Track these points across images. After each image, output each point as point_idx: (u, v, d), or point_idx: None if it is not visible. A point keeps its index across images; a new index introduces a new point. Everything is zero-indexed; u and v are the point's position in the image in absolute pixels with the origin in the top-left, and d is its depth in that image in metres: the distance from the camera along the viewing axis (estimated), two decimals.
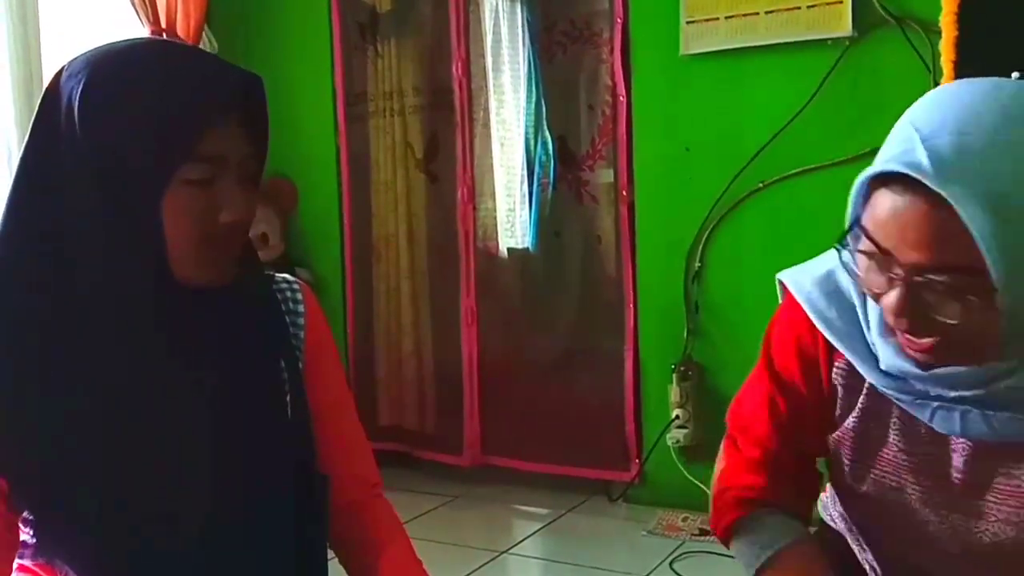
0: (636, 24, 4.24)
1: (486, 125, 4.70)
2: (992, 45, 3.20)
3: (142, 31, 4.56)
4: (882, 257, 1.32)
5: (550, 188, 4.58)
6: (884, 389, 1.48)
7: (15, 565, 1.50)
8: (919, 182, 1.23)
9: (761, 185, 3.95)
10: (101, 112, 1.41)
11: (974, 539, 1.47)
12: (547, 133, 4.58)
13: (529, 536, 4.21)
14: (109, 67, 1.45)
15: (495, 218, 4.74)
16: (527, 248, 4.68)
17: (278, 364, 1.60)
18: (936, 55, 3.42)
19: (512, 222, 4.74)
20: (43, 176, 1.45)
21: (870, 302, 1.46)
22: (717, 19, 4.00)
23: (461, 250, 4.75)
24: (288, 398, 1.60)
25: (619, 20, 4.26)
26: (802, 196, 3.86)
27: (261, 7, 5.20)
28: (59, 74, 1.47)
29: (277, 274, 1.71)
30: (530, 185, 4.63)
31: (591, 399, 4.49)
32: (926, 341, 1.33)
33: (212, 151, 1.44)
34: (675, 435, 4.20)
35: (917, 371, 1.40)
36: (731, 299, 4.10)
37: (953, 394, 1.39)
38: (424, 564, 1.71)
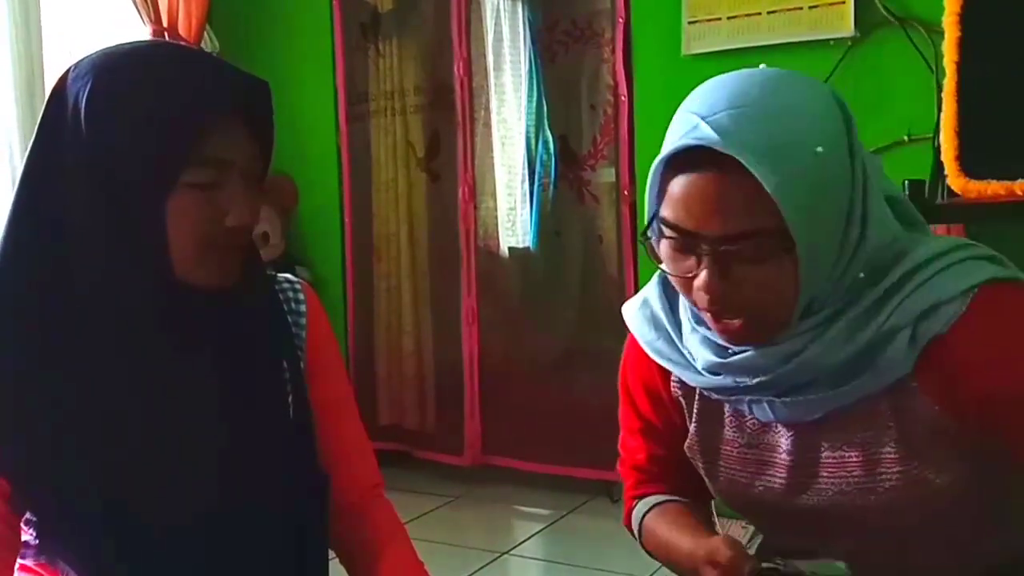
0: (638, 24, 4.23)
1: (487, 124, 4.70)
2: (995, 46, 3.20)
3: (143, 30, 4.56)
4: (686, 240, 1.40)
5: (551, 187, 4.58)
6: (705, 386, 1.57)
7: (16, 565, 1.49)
8: (708, 158, 1.34)
9: None
10: (106, 115, 1.41)
11: (824, 514, 1.53)
12: (548, 132, 4.58)
13: (530, 537, 4.21)
14: (115, 70, 1.45)
15: (496, 217, 4.73)
16: (528, 247, 4.68)
17: (280, 364, 1.60)
18: (939, 56, 3.41)
19: (513, 221, 4.73)
20: (48, 177, 1.45)
21: (681, 306, 1.58)
22: (719, 19, 4.00)
23: (462, 249, 4.75)
24: (290, 398, 1.60)
25: (621, 20, 4.26)
26: None
27: (262, 6, 5.20)
28: (65, 75, 1.47)
29: (279, 274, 1.71)
30: (531, 184, 4.63)
31: (592, 399, 4.48)
32: (735, 322, 1.42)
33: (217, 155, 1.44)
34: None
35: (718, 359, 1.49)
36: None
37: (754, 381, 1.47)
38: (425, 565, 1.71)
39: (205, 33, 4.86)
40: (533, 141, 4.63)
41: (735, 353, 1.49)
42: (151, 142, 1.40)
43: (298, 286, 1.70)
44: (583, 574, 3.70)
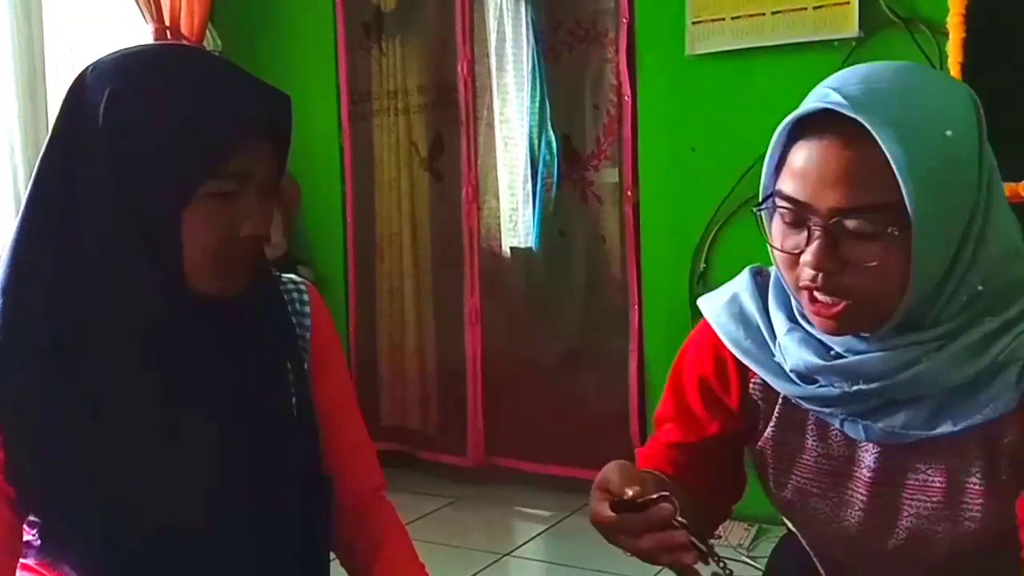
0: (642, 24, 4.23)
1: (490, 124, 4.70)
2: (999, 46, 3.20)
3: (145, 28, 4.55)
4: (799, 212, 1.37)
5: (554, 187, 4.58)
6: (795, 394, 1.52)
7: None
8: (834, 127, 1.32)
9: None
10: (129, 123, 1.40)
11: (892, 536, 1.50)
12: (551, 132, 4.58)
13: (532, 539, 4.20)
14: (136, 74, 1.44)
15: (498, 217, 4.73)
16: (531, 247, 4.68)
17: (283, 365, 1.60)
18: (943, 56, 3.41)
19: (515, 221, 4.73)
20: (62, 181, 1.44)
21: (772, 307, 1.54)
22: (723, 19, 4.00)
23: (465, 249, 4.75)
24: (293, 400, 1.59)
25: (624, 20, 4.25)
26: None
27: (265, 4, 5.20)
28: (82, 77, 1.46)
29: (283, 275, 1.70)
30: (534, 184, 4.63)
31: (595, 400, 4.49)
32: (837, 305, 1.37)
33: (238, 168, 1.44)
34: None
35: (819, 361, 1.44)
36: None
37: (853, 388, 1.42)
38: (425, 566, 1.70)
39: (207, 31, 4.85)
40: (536, 141, 4.63)
41: (838, 357, 1.44)
42: (176, 154, 1.40)
43: (303, 287, 1.70)
44: None
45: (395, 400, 5.00)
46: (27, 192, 1.46)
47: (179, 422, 1.47)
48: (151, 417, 1.46)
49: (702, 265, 4.15)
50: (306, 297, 1.68)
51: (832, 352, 1.45)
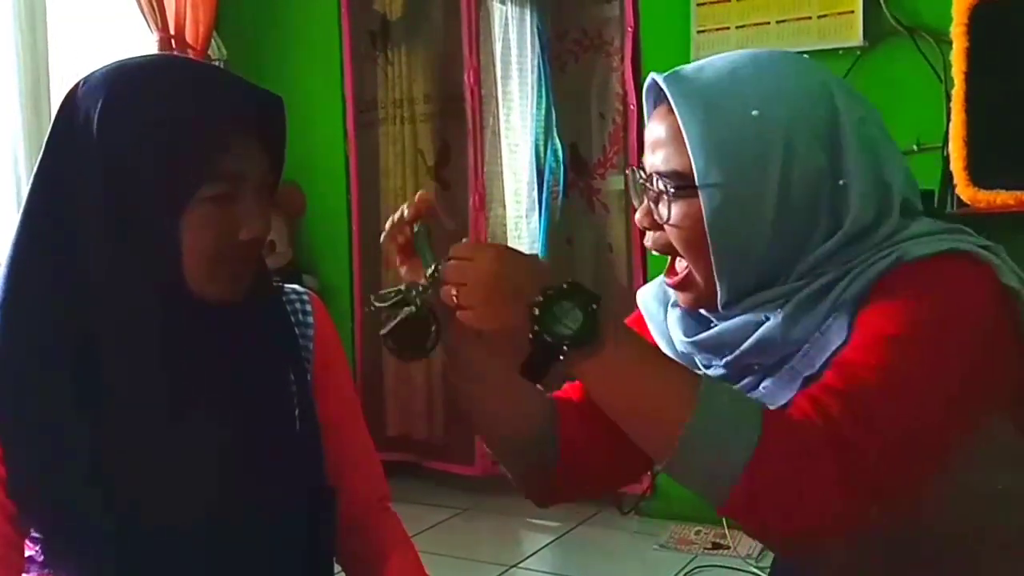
0: (647, 33, 4.24)
1: (496, 133, 4.70)
2: (1003, 56, 3.20)
3: (150, 38, 4.56)
4: (643, 178, 1.51)
5: (560, 196, 4.58)
6: None
7: None
8: (667, 103, 1.44)
9: None
10: (122, 129, 1.41)
11: None
12: (557, 141, 4.58)
13: (539, 550, 4.19)
14: (129, 84, 1.44)
15: (505, 225, 4.73)
16: (537, 256, 4.67)
17: (287, 377, 1.59)
18: (947, 65, 3.41)
19: (522, 230, 4.73)
20: (58, 191, 1.44)
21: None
22: (728, 28, 4.00)
23: None
24: (296, 410, 1.59)
25: (630, 28, 4.26)
26: None
27: (270, 13, 5.20)
28: (75, 89, 1.47)
29: (286, 284, 1.70)
30: (540, 193, 4.63)
31: None
32: (681, 271, 1.50)
33: (233, 169, 1.44)
34: None
35: (686, 338, 1.53)
36: None
37: (722, 361, 1.48)
38: None
39: (212, 41, 4.86)
40: (542, 149, 4.64)
41: (703, 331, 1.52)
42: (172, 159, 1.40)
43: (305, 297, 1.70)
44: None
45: (401, 410, 4.99)
46: (23, 206, 1.46)
47: (182, 431, 1.46)
48: (154, 426, 1.45)
49: None
50: (309, 307, 1.68)
51: (700, 329, 1.54)
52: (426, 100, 4.87)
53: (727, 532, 3.96)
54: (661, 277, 1.67)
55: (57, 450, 1.42)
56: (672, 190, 1.44)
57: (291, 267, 4.94)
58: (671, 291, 1.60)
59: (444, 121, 4.82)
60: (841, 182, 1.42)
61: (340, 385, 1.72)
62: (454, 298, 1.37)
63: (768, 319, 1.42)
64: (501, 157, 4.73)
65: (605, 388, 1.38)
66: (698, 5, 4.04)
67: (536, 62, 4.66)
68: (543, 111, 4.65)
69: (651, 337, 1.66)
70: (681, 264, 1.51)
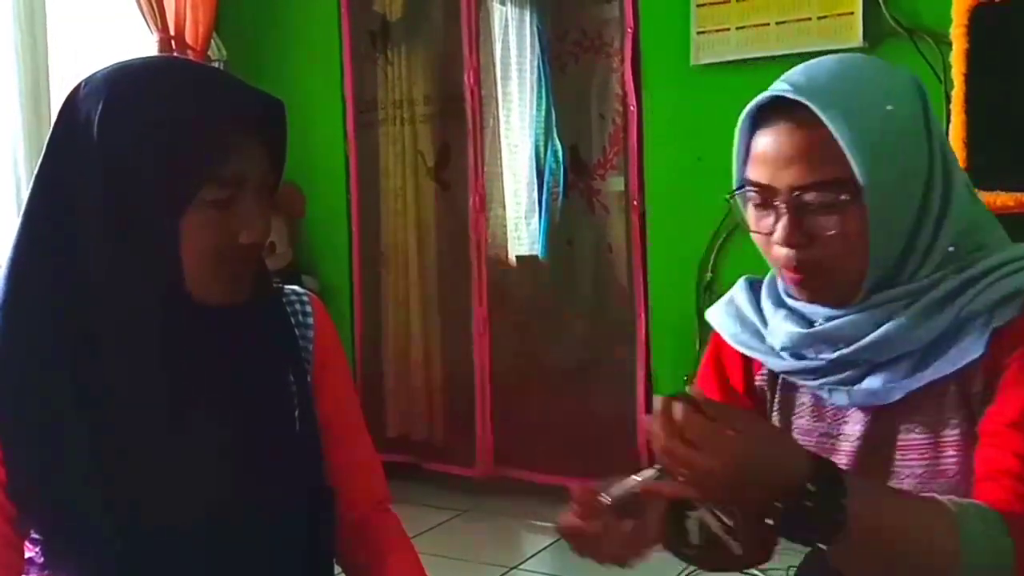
0: (647, 34, 4.23)
1: (496, 133, 4.70)
2: (1002, 57, 3.20)
3: (150, 38, 4.56)
4: (765, 195, 1.50)
5: (560, 197, 4.58)
6: (788, 374, 1.64)
7: None
8: (786, 114, 1.46)
9: None
10: (123, 132, 1.41)
11: None
12: (557, 141, 4.58)
13: (539, 551, 4.19)
14: (130, 87, 1.44)
15: (505, 226, 4.73)
16: (538, 257, 4.68)
17: (286, 378, 1.59)
18: (947, 66, 3.41)
19: (522, 230, 4.74)
20: (59, 192, 1.44)
21: (763, 296, 1.67)
22: (728, 29, 4.00)
23: (473, 259, 4.74)
24: (296, 411, 1.59)
25: (630, 30, 4.26)
26: None
27: (270, 14, 5.20)
28: (76, 90, 1.46)
29: (286, 286, 1.70)
30: (540, 193, 4.63)
31: (603, 410, 4.48)
32: (815, 280, 1.50)
33: (234, 172, 1.43)
34: None
35: (802, 330, 1.55)
36: None
37: (836, 354, 1.52)
38: None
39: (212, 41, 4.86)
40: (542, 150, 4.64)
41: (812, 327, 1.55)
42: (173, 161, 1.40)
43: (305, 298, 1.69)
44: None
45: (401, 411, 4.99)
46: (24, 207, 1.46)
47: (182, 432, 1.46)
48: (154, 427, 1.45)
49: (708, 274, 4.15)
50: (309, 308, 1.68)
51: (816, 323, 1.56)
52: (426, 101, 4.87)
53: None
54: (729, 297, 1.75)
55: (57, 451, 1.42)
56: (840, 200, 1.43)
57: (291, 268, 4.94)
58: (786, 291, 1.62)
59: (444, 122, 4.82)
60: (942, 166, 1.48)
61: (340, 386, 1.72)
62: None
63: (891, 318, 1.48)
64: (501, 158, 4.72)
65: (858, 558, 1.37)
66: (698, 6, 4.04)
67: (536, 63, 4.66)
68: (543, 112, 4.65)
69: (729, 355, 1.73)
70: (811, 268, 1.50)
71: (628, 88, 4.29)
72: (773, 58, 3.90)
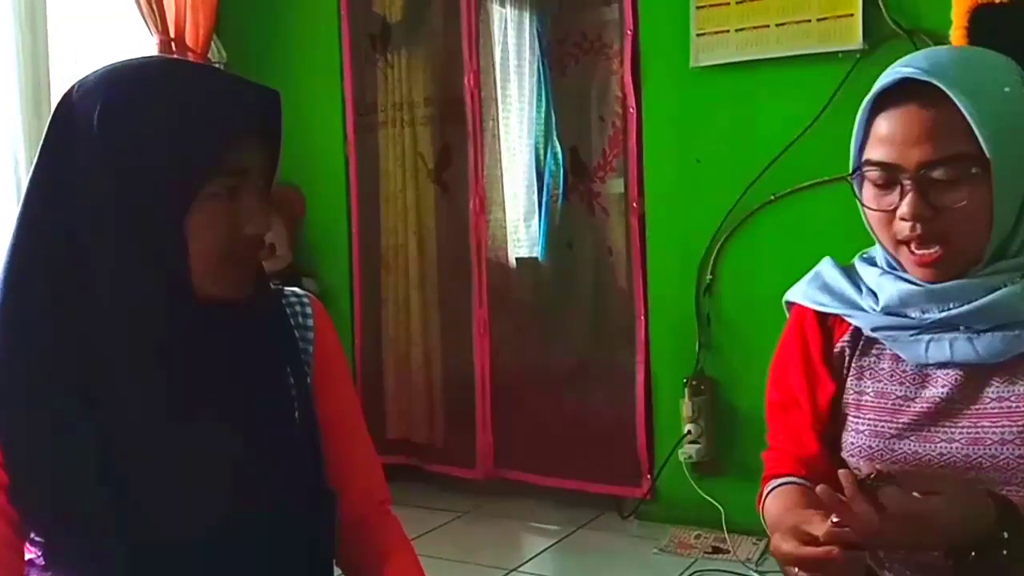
0: (646, 36, 4.23)
1: (496, 135, 4.69)
2: None
3: (150, 40, 4.56)
4: (889, 174, 1.57)
5: (560, 199, 4.58)
6: (881, 332, 1.68)
7: None
8: (909, 95, 1.54)
9: (773, 197, 3.94)
10: (123, 134, 1.41)
11: (978, 466, 1.59)
12: (557, 144, 4.58)
13: (539, 553, 4.18)
14: (128, 87, 1.44)
15: (505, 228, 4.73)
16: (539, 259, 4.68)
17: (287, 379, 1.59)
18: None
19: (522, 233, 4.74)
20: (58, 193, 1.44)
21: (860, 268, 1.73)
22: (727, 31, 4.00)
23: (473, 261, 4.74)
24: (296, 413, 1.59)
25: (629, 32, 4.25)
26: (814, 208, 3.84)
27: (271, 16, 5.20)
28: (70, 92, 1.47)
29: (286, 287, 1.70)
30: (540, 195, 4.63)
31: (603, 412, 4.48)
32: (934, 250, 1.57)
33: (236, 164, 1.44)
34: (687, 450, 4.16)
35: (920, 287, 1.61)
36: (743, 312, 4.08)
37: (941, 314, 1.60)
38: None
39: (213, 43, 4.86)
40: (542, 153, 4.64)
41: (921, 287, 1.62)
42: (173, 158, 1.40)
43: (306, 300, 1.69)
44: None
45: (401, 413, 4.98)
46: (20, 208, 1.46)
47: (183, 433, 1.46)
48: (155, 429, 1.45)
49: (708, 277, 4.15)
50: (309, 310, 1.68)
51: (914, 285, 1.63)
52: (426, 103, 4.87)
53: (727, 536, 3.96)
54: (814, 273, 1.80)
55: (58, 453, 1.42)
56: (969, 173, 1.51)
57: (291, 270, 4.93)
58: (889, 264, 1.68)
59: (444, 124, 4.82)
60: None
61: (340, 387, 1.72)
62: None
63: (1004, 286, 1.56)
64: (501, 160, 4.72)
65: None
66: (698, 8, 4.04)
67: (536, 65, 4.66)
68: (543, 114, 4.65)
69: (810, 329, 1.77)
70: (932, 246, 1.57)
71: (628, 90, 4.29)
72: (773, 60, 3.90)
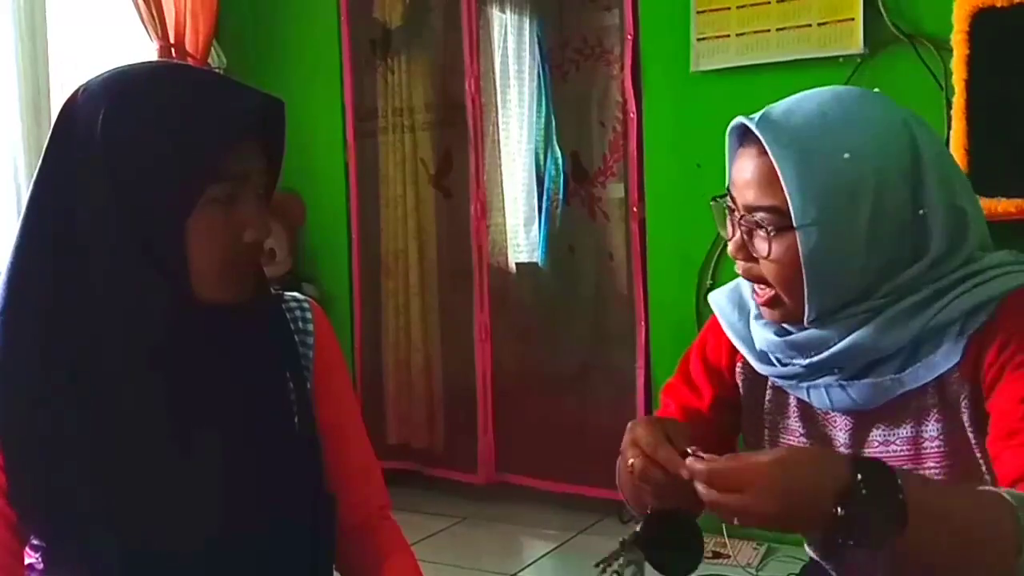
0: (647, 41, 4.23)
1: (496, 141, 4.70)
2: (1003, 63, 3.20)
3: (150, 46, 4.56)
4: (732, 207, 1.61)
5: (560, 204, 4.58)
6: (769, 374, 1.72)
7: None
8: (757, 140, 1.53)
9: None
10: (124, 138, 1.41)
11: None
12: (557, 149, 4.58)
13: (540, 558, 4.18)
14: (130, 91, 1.45)
15: (505, 233, 4.73)
16: (538, 263, 4.68)
17: (286, 385, 1.59)
18: (948, 73, 3.41)
19: (522, 238, 4.74)
20: (60, 197, 1.44)
21: (750, 300, 1.73)
22: (728, 36, 4.00)
23: (474, 266, 4.74)
24: (296, 418, 1.59)
25: (630, 37, 4.25)
26: None
27: (271, 22, 5.20)
28: (74, 97, 1.47)
29: (287, 293, 1.70)
30: (540, 200, 4.64)
31: (603, 417, 4.47)
32: (766, 292, 1.59)
33: (236, 169, 1.44)
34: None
35: (775, 339, 1.64)
36: None
37: (807, 361, 1.61)
38: None
39: (212, 49, 4.86)
40: (542, 158, 4.64)
41: (788, 334, 1.63)
42: (174, 164, 1.40)
43: (306, 305, 1.70)
44: None
45: (402, 418, 4.98)
46: (23, 212, 1.46)
47: (182, 437, 1.46)
48: (156, 435, 1.45)
49: (708, 281, 4.14)
50: (309, 315, 1.68)
51: (787, 332, 1.64)
52: (427, 108, 4.87)
53: (727, 541, 3.95)
54: (736, 282, 1.80)
55: (58, 457, 1.42)
56: (771, 229, 1.53)
57: (291, 276, 4.94)
58: (751, 302, 1.72)
59: (445, 130, 4.82)
60: (921, 212, 1.53)
61: (340, 393, 1.72)
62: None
63: (857, 328, 1.55)
64: (501, 165, 4.72)
65: (920, 552, 1.33)
66: (698, 13, 4.04)
67: (536, 70, 4.66)
68: (543, 119, 4.65)
69: (726, 336, 1.79)
70: (766, 288, 1.60)
71: (628, 95, 4.29)
72: (773, 65, 3.90)
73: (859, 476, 1.28)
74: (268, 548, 1.54)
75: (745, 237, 1.59)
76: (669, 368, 4.19)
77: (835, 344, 1.57)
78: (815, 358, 1.60)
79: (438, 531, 4.42)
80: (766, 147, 1.51)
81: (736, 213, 1.59)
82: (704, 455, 1.37)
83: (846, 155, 1.50)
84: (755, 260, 1.58)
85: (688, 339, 4.19)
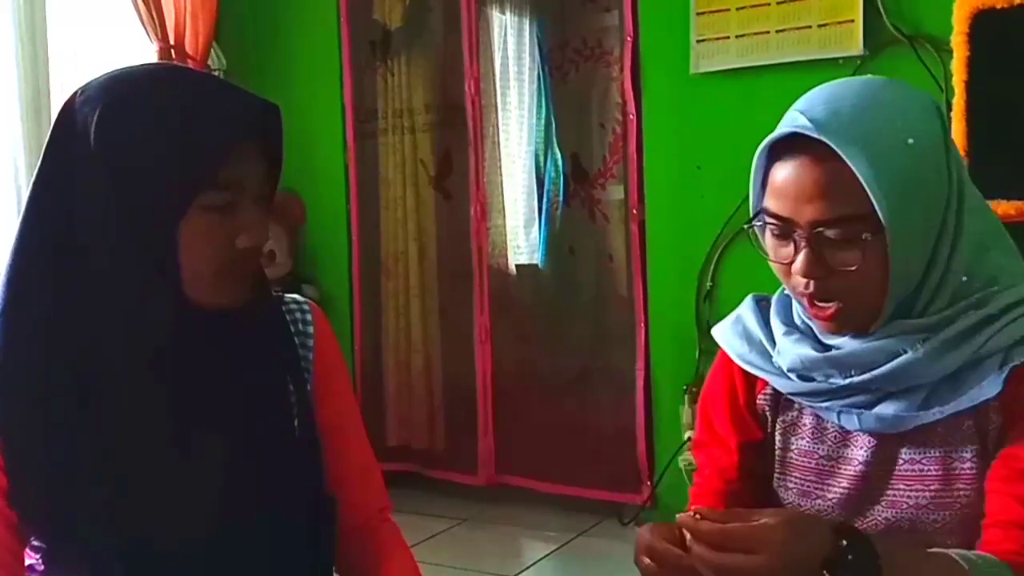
0: (646, 42, 4.24)
1: (496, 142, 4.70)
2: (1003, 65, 3.20)
3: (150, 47, 4.56)
4: (785, 226, 1.50)
5: (560, 205, 4.58)
6: (794, 395, 1.65)
7: None
8: (805, 147, 1.45)
9: None
10: (121, 139, 1.41)
11: (896, 529, 1.56)
12: (557, 150, 4.58)
13: (539, 560, 4.19)
14: (127, 94, 1.45)
15: (505, 235, 4.74)
16: (538, 265, 4.68)
17: (286, 386, 1.59)
18: (948, 74, 3.41)
19: (523, 239, 4.74)
20: (58, 199, 1.44)
21: (772, 317, 1.68)
22: (728, 37, 4.00)
23: (475, 267, 4.74)
24: (296, 420, 1.59)
25: (629, 38, 4.26)
26: None
27: (270, 24, 5.21)
28: (72, 99, 1.47)
29: (287, 294, 1.70)
30: (540, 202, 4.64)
31: (603, 419, 4.48)
32: (830, 307, 1.51)
33: (232, 177, 1.44)
34: (687, 457, 4.15)
35: (814, 355, 1.57)
36: None
37: (846, 380, 1.54)
38: None
39: (212, 50, 4.86)
40: (542, 159, 4.64)
41: (827, 350, 1.57)
42: (171, 166, 1.40)
43: (306, 307, 1.69)
44: None
45: (402, 419, 4.99)
46: (22, 214, 1.46)
47: (183, 440, 1.46)
48: (156, 436, 1.45)
49: (708, 283, 4.14)
50: (309, 317, 1.68)
51: (829, 347, 1.58)
52: (426, 110, 4.87)
53: None
54: (735, 315, 1.76)
55: (58, 459, 1.42)
56: (867, 235, 1.43)
57: (291, 277, 4.94)
58: (802, 316, 1.63)
59: (445, 131, 4.82)
60: (957, 191, 1.49)
61: (340, 394, 1.72)
62: None
63: (906, 351, 1.49)
64: (501, 167, 4.73)
65: None
66: (698, 14, 4.04)
67: (536, 72, 4.67)
68: (543, 121, 4.65)
69: (739, 372, 1.72)
70: (829, 302, 1.51)
71: (628, 97, 4.29)
72: (773, 66, 3.90)
73: (844, 542, 1.31)
74: (268, 549, 1.53)
75: (813, 254, 1.47)
76: (669, 369, 4.23)
77: (881, 366, 1.51)
78: (856, 378, 1.53)
79: (438, 533, 4.42)
80: (838, 151, 1.41)
81: (799, 231, 1.48)
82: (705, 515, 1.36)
83: (910, 140, 1.44)
84: (827, 275, 1.48)
85: (688, 340, 4.23)
